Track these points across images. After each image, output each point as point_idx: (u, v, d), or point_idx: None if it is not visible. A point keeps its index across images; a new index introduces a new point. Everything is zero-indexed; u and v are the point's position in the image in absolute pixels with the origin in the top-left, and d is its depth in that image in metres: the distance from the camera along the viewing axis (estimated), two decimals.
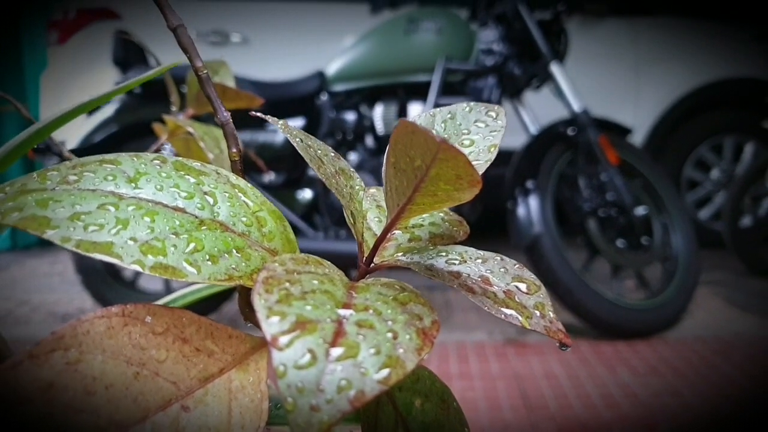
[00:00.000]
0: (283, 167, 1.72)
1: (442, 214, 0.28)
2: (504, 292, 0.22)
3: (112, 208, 0.20)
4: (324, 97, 1.78)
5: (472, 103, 0.27)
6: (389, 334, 0.17)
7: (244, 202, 0.24)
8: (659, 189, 1.78)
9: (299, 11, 2.60)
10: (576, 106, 1.68)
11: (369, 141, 1.75)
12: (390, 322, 0.17)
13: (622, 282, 1.69)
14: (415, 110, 1.71)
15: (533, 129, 1.74)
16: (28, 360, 0.18)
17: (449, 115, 0.27)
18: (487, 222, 1.90)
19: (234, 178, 0.24)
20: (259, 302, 0.16)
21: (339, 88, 1.77)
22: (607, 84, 2.55)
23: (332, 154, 0.27)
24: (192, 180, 0.23)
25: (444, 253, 0.24)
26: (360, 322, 0.17)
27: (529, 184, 1.62)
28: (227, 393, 0.20)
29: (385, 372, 0.15)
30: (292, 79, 1.80)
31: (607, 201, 1.65)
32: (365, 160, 1.71)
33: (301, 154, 0.24)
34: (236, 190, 0.24)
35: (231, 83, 0.51)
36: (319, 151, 0.26)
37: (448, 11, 1.71)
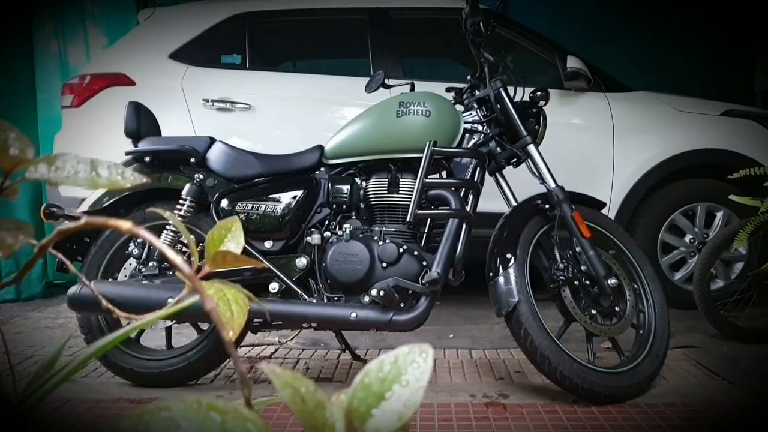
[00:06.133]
0: (281, 235, 1.85)
1: None
2: None
3: None
4: (322, 170, 1.93)
5: (409, 346, 0.36)
6: None
7: (249, 429, 0.36)
8: (632, 258, 1.91)
9: (300, 82, 2.79)
10: (552, 183, 1.83)
11: (362, 211, 1.88)
12: None
13: (597, 347, 1.80)
14: (406, 183, 1.85)
15: (512, 202, 1.88)
16: None
17: (393, 359, 0.38)
18: (477, 278, 2.02)
19: (246, 413, 0.36)
20: None
21: (336, 162, 1.91)
22: (585, 154, 2.72)
23: (312, 388, 0.37)
24: (218, 419, 0.35)
25: None
26: None
27: (508, 255, 1.75)
28: None
29: None
30: (293, 153, 1.95)
31: (581, 272, 1.78)
32: (357, 228, 1.84)
33: (287, 403, 0.36)
34: (247, 422, 0.35)
35: (241, 241, 0.62)
36: (303, 389, 0.37)
37: (436, 96, 1.87)
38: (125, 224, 0.33)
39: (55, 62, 3.39)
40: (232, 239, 0.65)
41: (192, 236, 0.56)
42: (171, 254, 0.32)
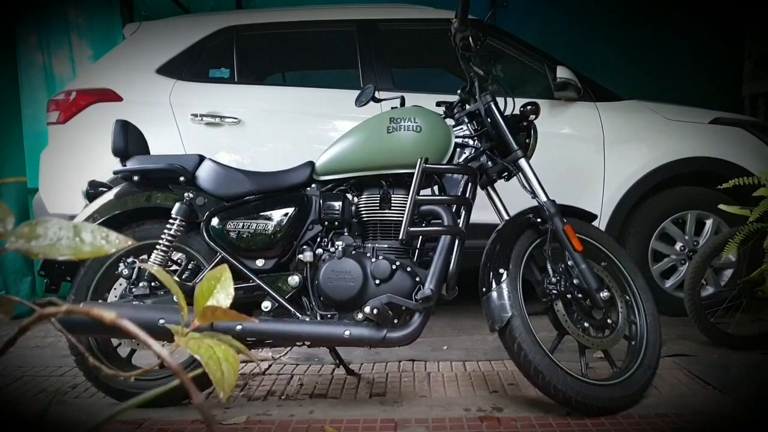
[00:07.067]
0: (273, 253, 1.83)
1: None
2: None
3: None
4: (313, 186, 1.92)
5: None
6: None
7: None
8: (623, 270, 1.92)
9: (289, 95, 2.77)
10: (543, 197, 1.83)
11: (355, 227, 1.87)
12: None
13: (590, 357, 1.80)
14: (398, 198, 1.84)
15: (504, 216, 1.88)
16: None
17: None
18: (470, 288, 2.02)
19: None
20: None
21: (327, 178, 1.90)
22: (576, 163, 2.73)
23: None
24: None
25: None
26: None
27: (501, 269, 1.74)
28: None
29: None
30: (283, 170, 1.93)
31: (573, 285, 1.78)
32: (350, 245, 1.83)
33: None
34: None
35: (231, 291, 0.61)
36: None
37: (426, 111, 1.87)
38: (109, 315, 0.32)
39: (40, 75, 3.34)
40: (221, 290, 0.64)
41: (181, 292, 0.56)
42: (157, 347, 0.31)
